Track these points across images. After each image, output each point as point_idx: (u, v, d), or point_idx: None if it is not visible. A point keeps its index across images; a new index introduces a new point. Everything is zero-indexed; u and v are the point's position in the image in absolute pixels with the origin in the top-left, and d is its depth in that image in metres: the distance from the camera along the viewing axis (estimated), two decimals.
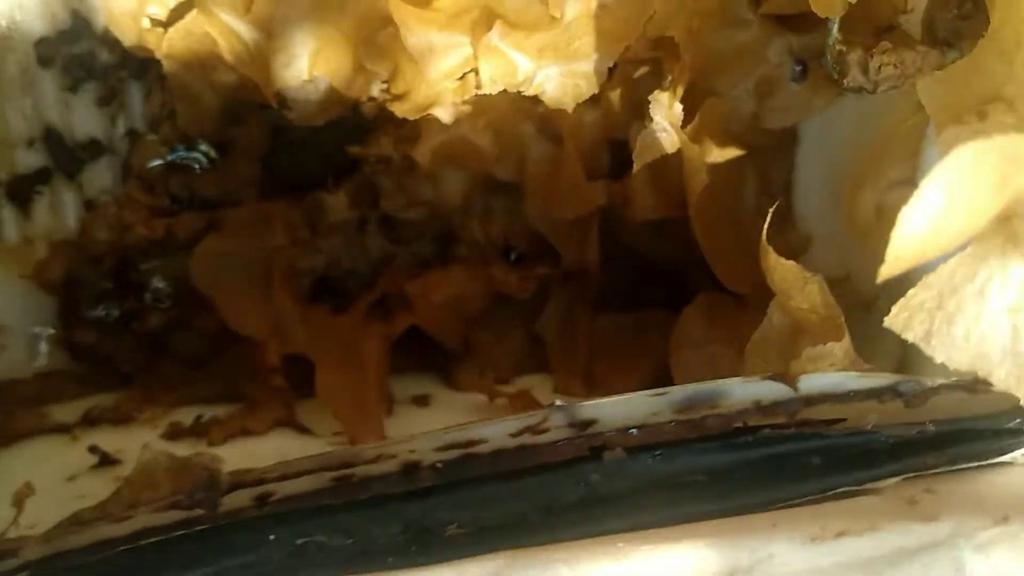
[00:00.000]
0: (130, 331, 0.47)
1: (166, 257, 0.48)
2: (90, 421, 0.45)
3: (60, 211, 0.48)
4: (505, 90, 0.42)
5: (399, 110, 0.43)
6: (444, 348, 0.49)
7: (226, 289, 0.46)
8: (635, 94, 0.46)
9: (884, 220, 0.41)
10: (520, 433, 0.28)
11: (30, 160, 0.47)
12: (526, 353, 0.50)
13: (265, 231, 0.48)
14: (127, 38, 0.46)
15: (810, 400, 0.30)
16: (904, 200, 0.41)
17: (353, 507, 0.28)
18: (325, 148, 0.50)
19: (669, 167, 0.44)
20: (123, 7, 0.45)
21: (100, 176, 0.49)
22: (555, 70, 0.41)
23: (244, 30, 0.42)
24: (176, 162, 0.50)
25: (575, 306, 0.50)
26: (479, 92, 0.42)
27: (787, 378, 0.29)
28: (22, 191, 0.47)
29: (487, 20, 0.42)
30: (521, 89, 0.42)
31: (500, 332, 0.50)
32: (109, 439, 0.44)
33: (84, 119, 0.49)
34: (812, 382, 0.30)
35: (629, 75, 0.46)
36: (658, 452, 0.29)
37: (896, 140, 0.40)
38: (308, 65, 0.43)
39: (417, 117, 0.44)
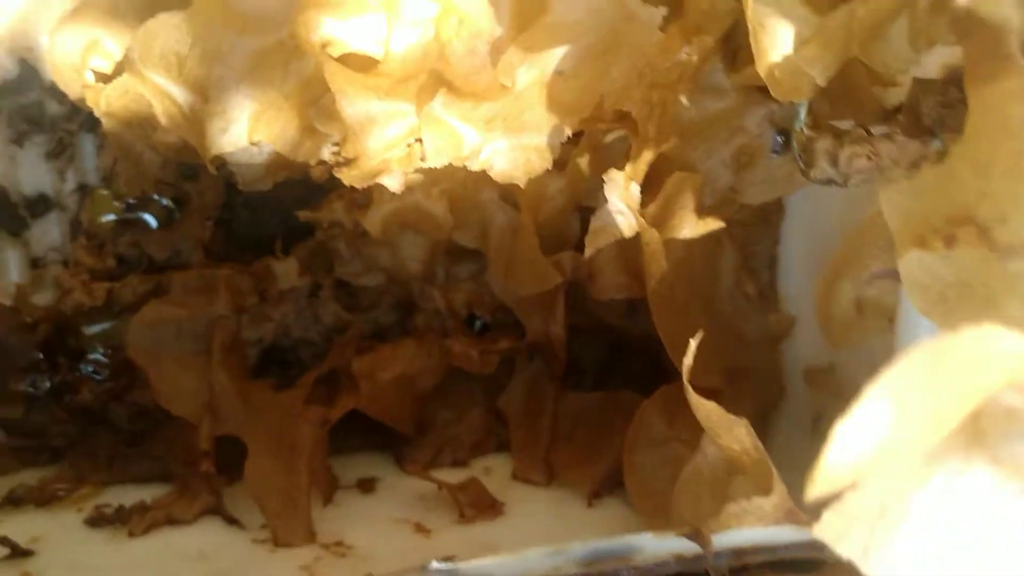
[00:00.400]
0: (62, 404, 0.44)
1: (109, 322, 0.46)
2: (13, 501, 0.42)
3: (2, 271, 0.46)
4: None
5: (346, 177, 0.40)
6: None
7: (162, 362, 0.43)
8: (606, 160, 0.42)
9: (865, 317, 0.37)
10: None
11: None
12: (486, 431, 0.46)
13: (210, 298, 0.45)
14: (71, 91, 0.44)
15: (740, 553, 0.26)
16: (887, 296, 0.37)
17: None
18: (286, 205, 0.47)
19: (635, 245, 0.40)
20: (66, 60, 0.43)
21: (47, 233, 0.47)
22: (504, 143, 0.38)
23: (178, 92, 0.39)
24: (130, 218, 0.47)
25: (541, 383, 0.46)
26: (424, 164, 0.38)
27: (700, 537, 0.25)
28: None
29: (434, 86, 0.38)
30: (467, 163, 0.38)
31: (459, 408, 0.46)
32: (31, 522, 0.42)
33: (31, 173, 0.47)
34: (742, 535, 0.26)
35: (599, 140, 0.42)
36: None
37: (879, 228, 0.35)
38: (248, 129, 0.39)
39: (365, 185, 0.40)
